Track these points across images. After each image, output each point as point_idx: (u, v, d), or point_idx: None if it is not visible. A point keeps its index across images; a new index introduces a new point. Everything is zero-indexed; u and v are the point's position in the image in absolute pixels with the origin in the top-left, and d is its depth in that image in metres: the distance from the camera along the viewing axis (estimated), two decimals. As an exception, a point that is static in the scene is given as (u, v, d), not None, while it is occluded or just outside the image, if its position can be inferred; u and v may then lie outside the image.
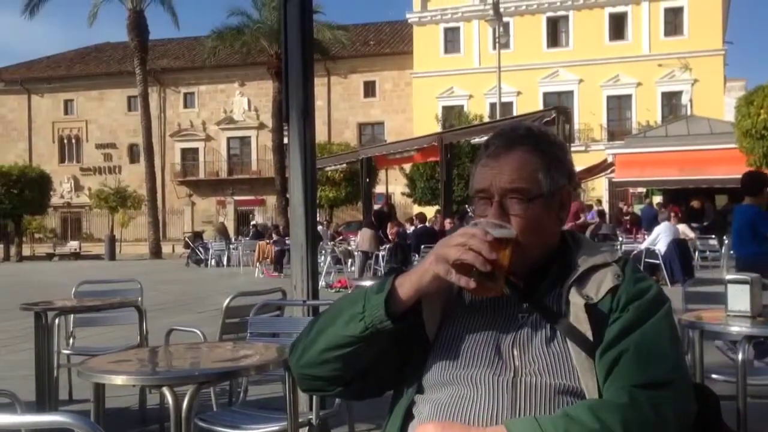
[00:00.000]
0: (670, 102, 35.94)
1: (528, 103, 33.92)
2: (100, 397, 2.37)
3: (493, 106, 33.05)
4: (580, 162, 25.25)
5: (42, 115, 47.43)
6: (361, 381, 1.49)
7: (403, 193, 32.96)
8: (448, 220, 16.87)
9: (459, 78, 38.43)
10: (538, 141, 1.50)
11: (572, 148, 15.79)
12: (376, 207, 16.51)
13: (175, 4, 33.85)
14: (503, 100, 30.06)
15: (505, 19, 30.66)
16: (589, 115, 36.06)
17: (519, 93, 36.84)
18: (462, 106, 37.13)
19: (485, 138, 1.62)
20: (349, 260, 16.54)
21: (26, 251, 33.78)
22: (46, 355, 4.27)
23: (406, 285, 1.38)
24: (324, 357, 1.44)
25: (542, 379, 1.36)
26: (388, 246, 15.56)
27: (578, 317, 1.39)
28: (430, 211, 22.69)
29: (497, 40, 26.86)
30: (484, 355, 1.40)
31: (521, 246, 1.41)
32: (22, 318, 6.68)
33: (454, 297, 1.51)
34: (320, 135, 38.17)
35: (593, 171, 26.07)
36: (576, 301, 1.41)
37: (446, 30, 39.44)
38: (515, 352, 1.40)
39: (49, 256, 33.62)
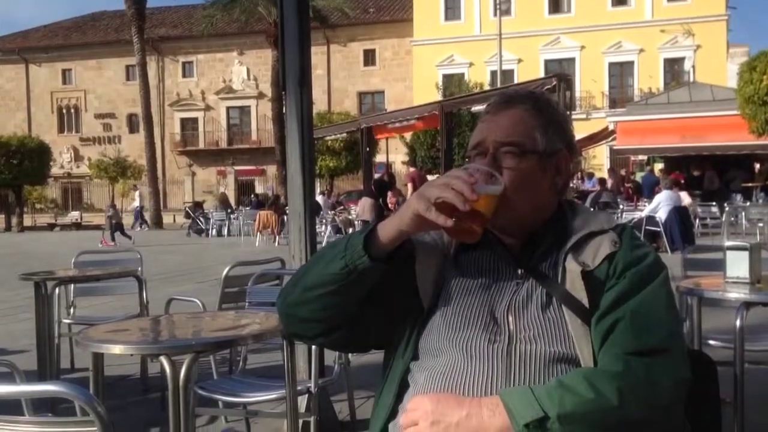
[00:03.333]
0: (673, 68, 35.68)
1: (529, 71, 33.64)
2: (99, 366, 2.38)
3: (493, 73, 32.81)
4: (581, 130, 25.14)
5: (40, 84, 47.16)
6: (346, 331, 1.47)
7: (403, 162, 32.85)
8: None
9: (459, 45, 38.09)
10: (538, 102, 1.51)
11: (573, 116, 15.71)
12: (376, 176, 16.43)
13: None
14: (504, 67, 29.86)
15: (506, -15, 30.28)
16: (590, 83, 35.82)
17: (520, 60, 36.55)
18: (462, 74, 36.85)
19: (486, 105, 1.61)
20: (350, 229, 16.56)
21: (27, 222, 33.77)
22: (47, 325, 4.29)
23: (388, 226, 1.37)
24: (306, 296, 1.43)
25: (537, 346, 1.35)
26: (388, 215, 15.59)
27: (574, 284, 1.38)
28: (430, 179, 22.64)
29: (498, 6, 26.60)
30: (479, 318, 1.40)
31: (510, 201, 1.40)
32: (22, 288, 6.71)
33: (450, 261, 1.50)
34: (320, 104, 37.99)
35: (594, 139, 25.97)
36: (572, 268, 1.40)
37: (447, -4, 39.02)
38: (510, 318, 1.39)
39: (51, 227, 33.64)
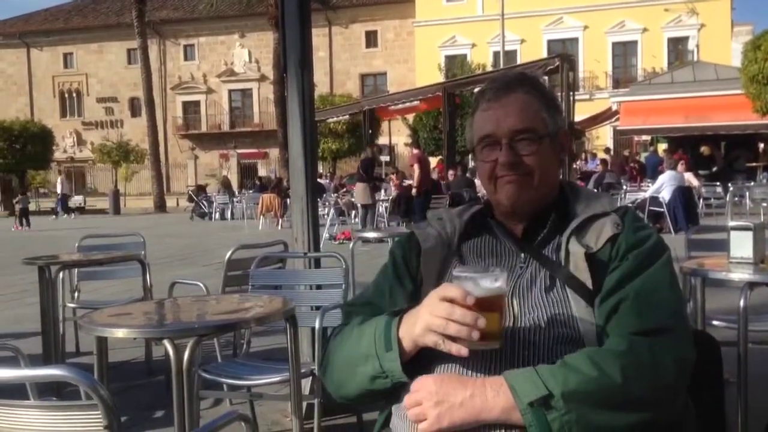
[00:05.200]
0: (677, 48, 35.45)
1: (532, 51, 33.42)
2: (103, 350, 2.38)
3: (496, 54, 32.64)
4: (584, 110, 25.06)
5: (42, 68, 47.05)
6: None
7: (406, 144, 32.80)
8: (450, 171, 16.83)
9: (461, 26, 37.86)
10: (532, 83, 1.51)
11: (576, 97, 15.61)
12: (361, 156, 16.19)
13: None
14: (507, 48, 29.63)
15: (508, -36, 29.95)
16: (593, 63, 35.61)
17: (523, 41, 36.33)
18: (465, 56, 36.66)
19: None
20: (353, 212, 16.56)
21: (31, 206, 33.85)
22: (51, 309, 4.30)
23: (407, 341, 1.34)
24: (361, 401, 1.49)
25: (541, 327, 1.36)
26: (391, 197, 15.52)
27: (578, 266, 1.39)
28: (433, 162, 22.61)
29: (501, -14, 26.34)
30: None
31: (533, 188, 1.44)
32: (26, 272, 6.73)
33: (453, 250, 1.51)
34: (322, 86, 37.86)
35: (598, 119, 25.87)
36: (575, 250, 1.40)
37: (449, -23, 38.73)
38: (514, 302, 1.39)
39: (54, 211, 33.71)
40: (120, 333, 2.20)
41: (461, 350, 1.25)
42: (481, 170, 1.50)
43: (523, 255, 1.45)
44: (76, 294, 5.12)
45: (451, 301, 1.25)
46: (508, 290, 1.38)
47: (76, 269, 5.01)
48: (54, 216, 28.29)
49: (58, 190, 30.05)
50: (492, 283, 1.27)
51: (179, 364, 2.14)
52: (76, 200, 35.81)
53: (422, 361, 1.35)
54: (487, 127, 1.47)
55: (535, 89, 1.49)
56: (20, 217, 23.14)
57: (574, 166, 19.22)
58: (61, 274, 4.48)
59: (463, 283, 1.27)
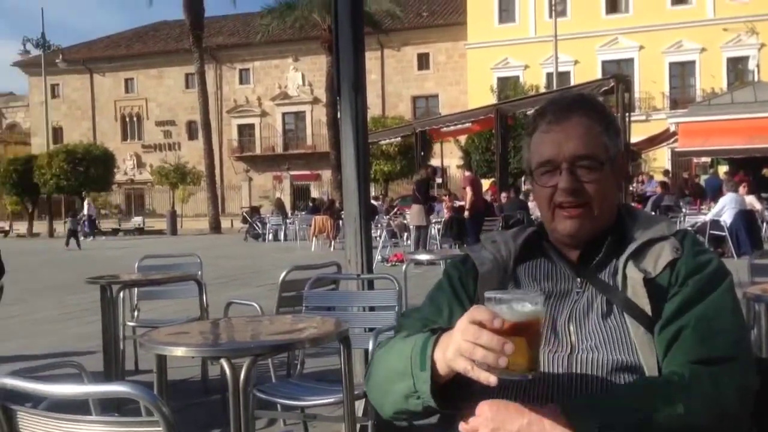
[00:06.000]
0: (736, 67, 34.61)
1: (586, 72, 33.10)
2: (163, 368, 2.44)
3: (549, 76, 32.41)
4: (641, 132, 24.64)
5: (104, 93, 48.63)
6: None
7: (458, 166, 32.76)
8: (504, 194, 16.71)
9: (514, 48, 37.75)
10: (593, 105, 1.47)
11: (633, 118, 15.35)
12: (416, 177, 16.22)
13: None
14: (560, 69, 29.49)
15: (561, -15, 29.91)
16: (650, 83, 35.03)
17: (576, 62, 36.00)
18: (517, 77, 36.52)
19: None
20: (405, 234, 16.58)
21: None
22: (112, 327, 4.41)
23: (441, 363, 1.27)
24: (398, 418, 1.44)
25: (599, 354, 1.33)
26: (443, 219, 15.48)
27: (636, 292, 1.36)
28: (485, 184, 22.52)
29: (554, 8, 26.29)
30: None
31: (595, 215, 1.40)
32: (89, 291, 6.92)
33: (509, 276, 1.48)
34: (374, 109, 38.15)
35: (655, 141, 25.39)
36: (633, 276, 1.37)
37: (501, -1, 38.75)
38: (571, 328, 1.37)
39: (115, 232, 34.68)
40: (179, 351, 2.25)
41: (490, 379, 1.16)
42: (539, 195, 1.46)
43: (579, 279, 1.42)
44: (135, 313, 5.25)
45: (481, 324, 1.17)
46: (566, 316, 1.36)
47: (135, 288, 5.13)
48: (82, 237, 28.83)
49: (85, 212, 30.50)
50: (526, 306, 1.17)
51: (236, 384, 2.18)
52: (135, 221, 36.81)
53: (475, 385, 1.31)
54: (547, 152, 1.42)
55: (596, 111, 1.45)
56: (69, 237, 24.32)
57: (631, 188, 18.88)
58: (121, 294, 4.61)
59: (495, 306, 1.18)
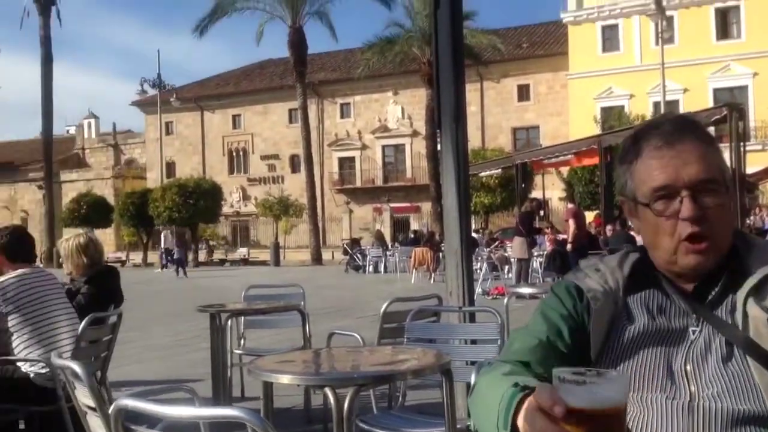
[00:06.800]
0: None
1: (696, 101, 31.87)
2: (269, 395, 2.50)
3: (656, 105, 31.44)
4: (757, 162, 23.43)
5: (213, 129, 50.90)
6: None
7: (560, 198, 32.13)
8: (609, 226, 16.23)
9: (618, 77, 36.89)
10: (700, 126, 1.37)
11: (748, 147, 14.59)
12: (522, 210, 15.95)
13: (332, 18, 35.09)
14: (668, 98, 28.52)
15: (668, 12, 29.11)
16: (766, 111, 33.34)
17: (685, 90, 34.74)
18: (622, 107, 35.58)
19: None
20: (506, 267, 16.35)
21: (201, 257, 36.34)
22: (221, 355, 4.56)
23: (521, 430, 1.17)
24: None
25: (722, 404, 1.22)
26: (546, 252, 15.20)
27: (759, 332, 1.24)
28: (589, 216, 21.96)
29: (660, 35, 25.58)
30: (655, 377, 1.28)
31: (717, 250, 1.28)
32: (198, 319, 7.20)
33: (620, 309, 1.36)
34: (474, 141, 38.08)
35: (772, 171, 24.07)
36: (756, 314, 1.25)
37: (604, 28, 38.03)
38: (688, 372, 1.27)
39: (221, 262, 35.97)
40: (285, 379, 2.31)
41: None
42: (652, 224, 1.32)
43: (695, 316, 1.30)
44: (242, 341, 5.41)
45: (540, 409, 1.02)
46: (681, 359, 1.26)
47: (242, 317, 5.30)
48: (159, 269, 29.84)
49: (162, 245, 31.66)
50: (599, 390, 0.94)
51: (339, 413, 2.21)
52: (241, 252, 38.06)
53: None
54: (662, 177, 1.30)
55: (705, 133, 1.36)
56: (177, 266, 25.92)
57: (747, 222, 17.91)
58: (229, 322, 4.77)
59: (562, 387, 0.96)
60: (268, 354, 3.74)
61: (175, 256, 27.47)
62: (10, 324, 3.62)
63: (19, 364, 3.62)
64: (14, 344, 3.64)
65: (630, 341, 1.32)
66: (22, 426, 3.92)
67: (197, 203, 34.04)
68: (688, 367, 1.26)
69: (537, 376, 1.29)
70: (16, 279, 3.69)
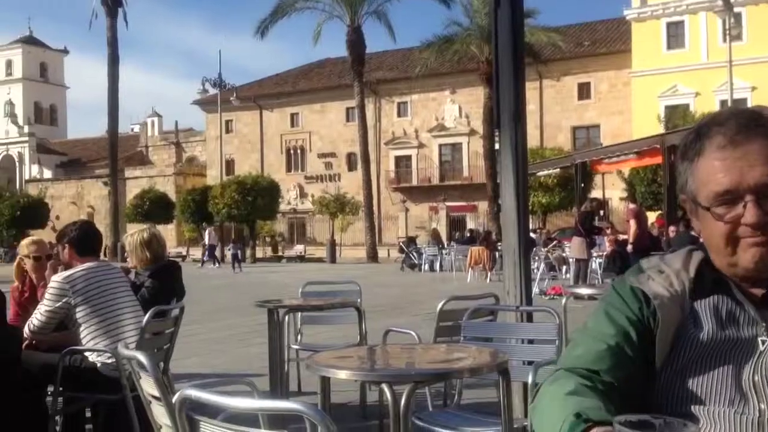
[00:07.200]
0: None
1: (765, 99, 30.77)
2: (326, 389, 2.53)
3: (723, 103, 30.52)
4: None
5: (272, 128, 51.60)
6: None
7: (621, 198, 31.49)
8: (672, 227, 15.84)
9: (684, 75, 35.93)
10: (767, 125, 1.25)
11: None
12: (579, 209, 15.60)
13: (390, 17, 35.19)
14: (735, 96, 27.66)
15: (736, 9, 28.21)
16: (839, 109, 31.99)
17: (754, 88, 33.61)
18: (687, 105, 34.67)
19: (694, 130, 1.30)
20: (564, 267, 16.13)
21: (259, 254, 36.92)
22: (278, 349, 4.63)
23: None
24: None
25: None
26: (605, 253, 14.94)
27: None
28: (651, 216, 21.46)
29: (728, 32, 24.85)
30: (722, 390, 1.22)
31: None
32: (255, 314, 7.32)
33: (686, 315, 1.28)
34: (532, 140, 37.58)
35: None
36: None
37: (669, 24, 37.11)
38: (757, 385, 1.20)
39: (278, 259, 36.46)
40: (342, 374, 2.33)
41: None
42: (712, 228, 1.25)
43: (765, 325, 1.23)
44: (299, 336, 5.47)
45: None
46: (750, 370, 1.19)
47: (299, 313, 5.37)
48: (200, 265, 30.14)
49: (206, 241, 32.11)
50: None
51: (396, 409, 2.21)
52: (297, 249, 38.52)
53: None
54: (725, 181, 1.22)
55: None
56: (233, 261, 26.61)
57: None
58: (286, 317, 4.84)
59: None
60: (325, 350, 3.78)
61: (231, 252, 27.97)
62: (78, 315, 3.75)
63: (86, 354, 3.74)
64: (81, 335, 3.76)
65: (696, 350, 1.25)
66: (88, 414, 4.06)
67: (255, 200, 34.57)
68: (756, 378, 1.20)
69: (604, 385, 1.23)
70: (84, 272, 3.81)
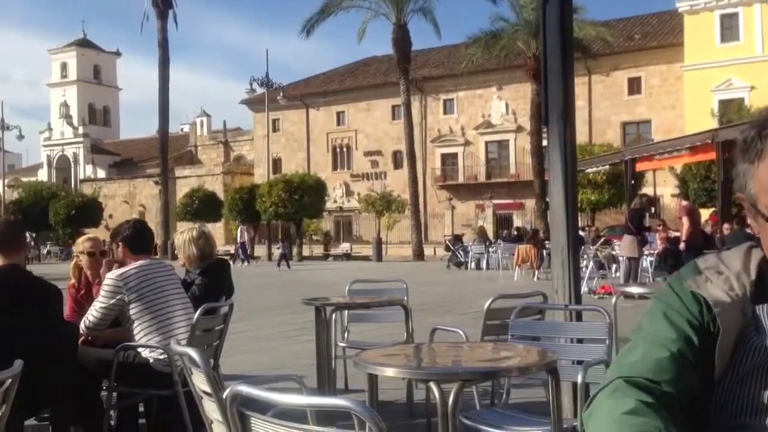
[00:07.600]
0: None
1: (823, 91, 29.86)
2: (374, 387, 2.54)
3: (779, 96, 29.60)
4: None
5: (318, 126, 51.97)
6: None
7: (672, 195, 30.82)
8: (726, 225, 15.45)
9: (738, 68, 34.99)
10: None
11: None
12: (630, 206, 15.32)
13: (436, 14, 35.00)
14: (792, 89, 26.85)
15: (793, -2, 27.33)
16: None
17: (811, 81, 32.58)
18: (742, 99, 33.76)
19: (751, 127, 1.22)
20: (613, 265, 15.86)
21: (306, 251, 37.21)
22: (326, 347, 4.66)
23: None
24: None
25: None
26: (657, 251, 14.66)
27: None
28: (704, 214, 20.96)
29: (784, 22, 24.10)
30: None
31: None
32: (302, 312, 7.38)
33: (747, 320, 1.22)
34: (581, 136, 37.05)
35: None
36: None
37: (722, 17, 36.19)
38: None
39: (325, 257, 36.69)
40: (390, 372, 2.34)
41: None
42: None
43: None
44: (346, 334, 5.50)
45: None
46: None
47: (346, 311, 5.39)
48: (232, 263, 30.08)
49: (238, 239, 32.25)
50: None
51: (444, 408, 2.21)
52: (343, 247, 38.71)
53: None
54: None
55: None
56: (280, 260, 26.84)
57: None
58: (333, 315, 4.87)
59: None
60: (372, 347, 3.79)
61: (279, 251, 28.24)
62: (131, 312, 3.84)
63: (139, 350, 3.83)
64: (135, 331, 3.85)
65: (757, 358, 1.19)
66: (141, 408, 4.16)
67: (302, 199, 34.84)
68: None
69: (666, 398, 1.17)
70: (137, 269, 3.90)
